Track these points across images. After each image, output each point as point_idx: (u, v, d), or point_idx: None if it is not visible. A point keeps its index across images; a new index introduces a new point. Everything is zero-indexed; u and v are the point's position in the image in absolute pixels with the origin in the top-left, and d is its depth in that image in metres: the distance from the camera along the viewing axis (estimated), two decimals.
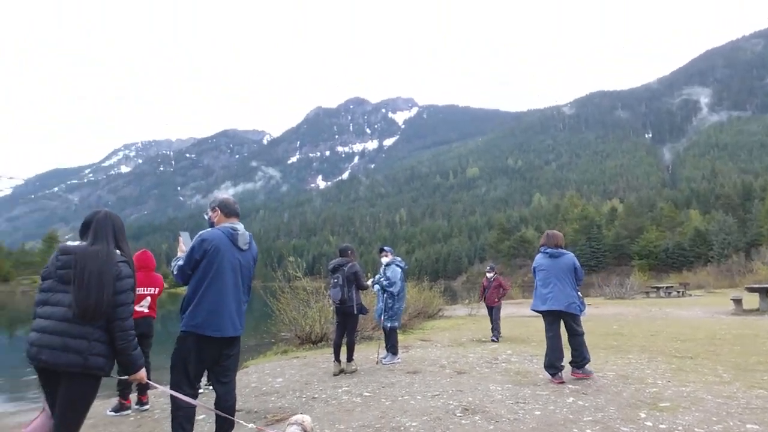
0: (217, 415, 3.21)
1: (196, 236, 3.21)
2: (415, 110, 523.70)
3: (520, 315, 16.14)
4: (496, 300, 9.86)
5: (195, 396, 3.13)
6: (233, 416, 3.24)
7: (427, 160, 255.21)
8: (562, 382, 5.16)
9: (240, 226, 3.30)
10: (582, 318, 5.56)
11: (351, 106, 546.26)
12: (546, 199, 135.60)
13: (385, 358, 6.89)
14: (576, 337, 5.36)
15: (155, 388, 2.99)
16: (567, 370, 5.40)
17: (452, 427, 3.77)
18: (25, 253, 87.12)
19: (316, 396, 5.04)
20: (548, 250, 5.51)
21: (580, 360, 5.40)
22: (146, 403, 4.86)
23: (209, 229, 3.26)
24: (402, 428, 3.79)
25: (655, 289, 27.69)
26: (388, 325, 6.88)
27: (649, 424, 3.71)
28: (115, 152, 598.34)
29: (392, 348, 6.96)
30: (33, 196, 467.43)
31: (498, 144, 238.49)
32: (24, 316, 29.10)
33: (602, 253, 70.36)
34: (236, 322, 3.21)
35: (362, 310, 6.35)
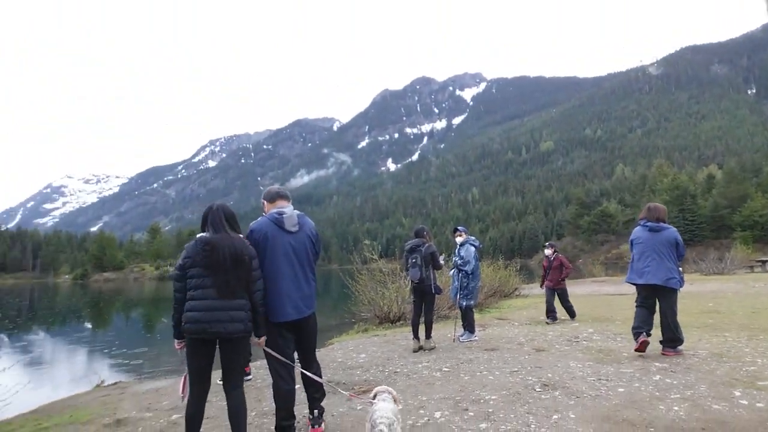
0: (307, 386, 3.50)
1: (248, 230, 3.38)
2: (483, 85, 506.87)
3: (604, 293, 15.46)
4: (561, 281, 9.00)
5: (291, 375, 3.35)
6: (318, 387, 3.51)
7: (497, 136, 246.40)
8: (646, 342, 5.09)
9: (287, 209, 3.37)
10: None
11: (417, 87, 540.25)
12: (630, 170, 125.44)
13: (462, 336, 7.05)
14: (671, 316, 5.18)
15: (272, 354, 3.28)
16: (654, 348, 5.22)
17: (531, 401, 3.85)
18: (134, 244, 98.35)
19: (398, 370, 5.34)
20: (648, 224, 5.34)
21: (673, 340, 5.22)
22: (249, 374, 5.45)
23: (257, 219, 3.42)
24: (482, 401, 3.94)
25: (760, 263, 25.02)
26: (464, 303, 7.02)
27: (744, 402, 3.55)
28: (202, 148, 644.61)
29: (469, 326, 7.10)
30: (136, 193, 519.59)
31: (574, 114, 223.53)
32: (137, 300, 32.88)
33: (697, 225, 64.35)
34: (299, 304, 3.31)
35: (438, 289, 6.54)
